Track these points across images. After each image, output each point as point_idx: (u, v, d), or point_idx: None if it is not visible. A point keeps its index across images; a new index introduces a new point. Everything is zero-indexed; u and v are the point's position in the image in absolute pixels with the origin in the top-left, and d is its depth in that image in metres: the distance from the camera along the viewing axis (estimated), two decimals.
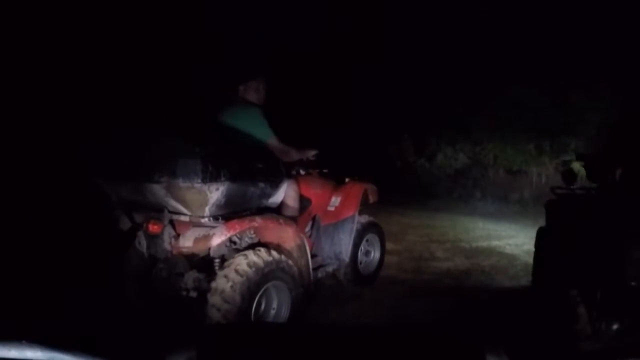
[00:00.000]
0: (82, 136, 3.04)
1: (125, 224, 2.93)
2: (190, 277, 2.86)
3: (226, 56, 7.80)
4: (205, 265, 2.91)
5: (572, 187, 3.50)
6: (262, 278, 2.74)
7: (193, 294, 2.82)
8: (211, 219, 2.71)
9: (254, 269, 2.69)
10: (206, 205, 2.63)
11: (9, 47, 5.96)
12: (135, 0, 7.45)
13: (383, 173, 10.83)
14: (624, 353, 0.74)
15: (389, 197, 9.58)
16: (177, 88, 7.18)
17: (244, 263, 2.69)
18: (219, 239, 2.67)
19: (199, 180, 2.49)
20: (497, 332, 2.96)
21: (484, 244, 6.30)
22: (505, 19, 9.52)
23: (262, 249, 2.83)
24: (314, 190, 3.75)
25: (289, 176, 3.41)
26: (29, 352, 0.61)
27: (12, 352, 0.60)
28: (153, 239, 2.76)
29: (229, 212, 2.77)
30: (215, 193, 2.59)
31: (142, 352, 0.79)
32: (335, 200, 3.91)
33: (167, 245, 2.72)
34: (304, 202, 3.59)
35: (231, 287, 2.61)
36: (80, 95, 6.41)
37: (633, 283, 2.24)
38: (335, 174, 4.07)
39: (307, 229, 3.74)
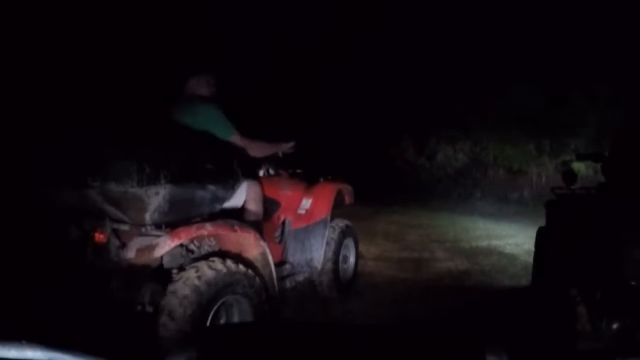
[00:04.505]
0: (28, 141, 2.78)
1: (74, 233, 2.64)
2: (148, 290, 2.51)
3: (226, 56, 7.80)
4: (163, 275, 2.58)
5: (572, 187, 3.50)
6: (216, 292, 2.44)
7: (149, 309, 2.47)
8: (153, 227, 2.42)
9: (204, 283, 2.38)
10: (146, 211, 2.34)
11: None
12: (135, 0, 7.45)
13: (383, 173, 10.87)
14: (624, 353, 0.74)
15: (389, 197, 9.62)
16: (166, 88, 7.12)
17: (194, 277, 2.38)
18: (162, 249, 2.38)
19: (134, 184, 2.23)
20: (497, 332, 2.97)
21: (483, 243, 6.30)
22: (505, 19, 9.52)
23: (217, 260, 2.51)
24: (283, 192, 3.50)
25: (253, 177, 3.17)
26: (29, 352, 0.61)
27: (12, 352, 0.60)
28: (99, 249, 2.50)
29: (174, 219, 2.47)
30: (155, 198, 2.31)
31: (142, 352, 0.79)
32: (306, 203, 3.63)
33: (114, 256, 2.46)
34: (272, 205, 3.34)
35: (179, 304, 2.31)
36: (65, 96, 6.29)
37: (633, 282, 2.24)
38: (309, 174, 3.83)
39: (277, 234, 3.51)
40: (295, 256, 3.53)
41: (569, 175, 3.53)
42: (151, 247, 2.37)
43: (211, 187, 2.60)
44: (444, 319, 3.46)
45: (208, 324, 2.42)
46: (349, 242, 4.06)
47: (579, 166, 7.44)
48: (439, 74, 10.29)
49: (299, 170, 3.76)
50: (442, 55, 10.20)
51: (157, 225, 2.43)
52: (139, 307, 2.48)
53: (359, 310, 3.67)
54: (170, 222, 2.47)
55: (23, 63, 6.11)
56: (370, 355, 0.80)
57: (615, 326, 2.33)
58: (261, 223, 3.11)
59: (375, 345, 0.82)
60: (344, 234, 3.92)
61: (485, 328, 3.10)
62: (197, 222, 2.57)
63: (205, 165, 2.58)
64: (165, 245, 2.39)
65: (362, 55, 10.81)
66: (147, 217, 2.36)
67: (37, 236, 3.00)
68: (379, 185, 9.84)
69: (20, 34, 6.17)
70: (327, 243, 3.71)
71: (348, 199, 4.05)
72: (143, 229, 2.43)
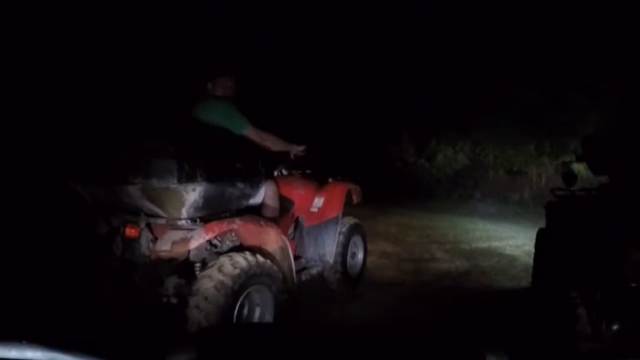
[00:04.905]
0: (57, 138, 2.94)
1: (102, 228, 2.80)
2: (171, 283, 2.72)
3: (226, 56, 7.80)
4: (186, 269, 2.77)
5: (572, 188, 3.50)
6: (245, 281, 2.62)
7: (174, 300, 2.68)
8: (188, 221, 2.61)
9: (237, 270, 2.57)
10: (183, 206, 2.53)
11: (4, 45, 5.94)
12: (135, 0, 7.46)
13: (383, 173, 10.86)
14: (624, 353, 0.74)
15: (388, 198, 9.61)
16: (168, 87, 7.19)
17: (228, 264, 2.58)
18: (197, 241, 2.58)
19: (175, 181, 2.40)
20: (497, 332, 2.96)
21: (484, 244, 6.30)
22: (505, 19, 9.52)
23: (247, 252, 2.72)
24: (296, 191, 3.70)
25: (269, 176, 3.32)
26: (29, 352, 0.61)
27: (12, 352, 0.60)
28: (130, 243, 2.64)
29: (207, 214, 2.67)
30: (192, 194, 2.50)
31: (142, 352, 0.79)
32: (319, 201, 3.84)
33: (144, 250, 2.63)
34: (286, 203, 3.51)
35: (214, 287, 2.49)
36: (69, 95, 6.36)
37: (633, 284, 2.24)
38: (318, 175, 4.02)
39: (290, 230, 3.67)
40: (309, 251, 3.72)
41: (569, 176, 3.52)
42: (186, 240, 2.55)
43: (239, 185, 2.78)
44: (444, 319, 3.45)
45: (237, 308, 2.60)
46: (357, 239, 4.27)
47: (578, 167, 7.42)
48: (439, 74, 10.29)
49: (308, 171, 3.94)
50: (442, 55, 10.21)
51: (192, 220, 2.61)
52: (164, 299, 2.68)
53: (359, 311, 3.67)
54: (202, 217, 2.65)
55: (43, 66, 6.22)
56: (370, 356, 0.80)
57: (615, 328, 2.33)
58: (277, 219, 3.28)
59: (376, 346, 0.82)
60: (352, 231, 4.11)
61: (485, 328, 3.10)
62: (227, 217, 2.76)
63: (234, 164, 2.76)
64: (200, 238, 2.57)
65: (362, 55, 10.80)
66: (184, 211, 2.55)
67: (62, 232, 3.17)
68: (379, 186, 9.83)
69: (40, 40, 6.26)
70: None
71: (356, 199, 4.23)
72: (179, 223, 2.60)
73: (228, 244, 2.95)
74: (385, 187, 10.31)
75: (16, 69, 6.04)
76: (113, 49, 6.97)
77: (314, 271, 3.68)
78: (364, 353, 0.80)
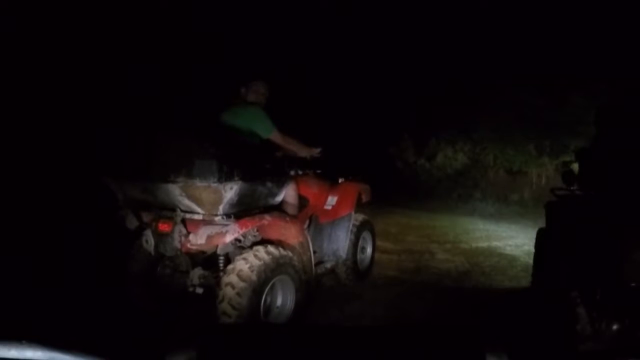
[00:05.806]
0: (91, 137, 3.13)
1: (132, 223, 3.00)
2: (196, 274, 2.97)
3: (226, 57, 7.80)
4: (210, 262, 3.05)
5: (572, 188, 3.50)
6: (275, 268, 2.88)
7: (199, 290, 2.95)
8: (224, 217, 2.80)
9: (263, 263, 2.82)
10: (220, 203, 2.72)
11: (11, 47, 5.97)
12: (136, 0, 7.46)
13: (383, 173, 10.85)
14: (624, 353, 0.74)
15: (389, 197, 9.61)
16: (178, 89, 7.21)
17: (262, 250, 2.86)
18: (232, 235, 2.78)
19: (215, 180, 2.58)
20: (497, 332, 2.96)
21: (484, 244, 6.30)
22: (505, 19, 9.52)
23: (271, 246, 2.97)
24: (311, 190, 3.88)
25: (289, 176, 3.50)
26: (29, 352, 0.61)
27: (12, 352, 0.60)
28: (162, 237, 2.83)
29: (239, 211, 2.87)
30: (230, 192, 2.69)
31: (142, 352, 0.79)
32: (332, 200, 4.04)
33: (176, 244, 2.80)
34: (301, 201, 3.69)
35: (249, 267, 2.75)
36: (81, 95, 6.43)
37: (632, 284, 2.24)
38: (327, 175, 4.19)
39: (305, 226, 3.80)
40: (323, 247, 3.91)
41: (569, 176, 3.53)
42: (221, 234, 2.77)
43: (268, 184, 3.00)
44: (444, 319, 3.45)
45: (265, 292, 2.86)
46: (367, 235, 4.47)
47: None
48: (439, 75, 10.29)
49: (318, 171, 4.10)
50: (442, 55, 10.20)
51: (227, 216, 2.81)
52: (190, 289, 2.96)
53: (359, 311, 3.67)
54: (235, 213, 2.85)
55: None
56: (369, 355, 0.80)
57: (615, 327, 2.33)
58: (297, 216, 3.49)
59: (375, 346, 0.82)
60: (362, 227, 4.31)
61: (485, 328, 3.09)
62: (256, 213, 2.99)
63: (264, 165, 3.00)
64: (234, 232, 2.79)
65: (362, 55, 10.80)
66: (221, 208, 2.74)
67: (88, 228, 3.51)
68: (379, 186, 9.81)
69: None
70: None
71: (365, 198, 4.38)
72: (215, 218, 2.79)
73: (250, 238, 3.13)
74: (386, 186, 10.31)
75: (17, 70, 6.08)
76: (113, 48, 6.97)
77: (328, 265, 3.91)
78: (363, 353, 0.80)
